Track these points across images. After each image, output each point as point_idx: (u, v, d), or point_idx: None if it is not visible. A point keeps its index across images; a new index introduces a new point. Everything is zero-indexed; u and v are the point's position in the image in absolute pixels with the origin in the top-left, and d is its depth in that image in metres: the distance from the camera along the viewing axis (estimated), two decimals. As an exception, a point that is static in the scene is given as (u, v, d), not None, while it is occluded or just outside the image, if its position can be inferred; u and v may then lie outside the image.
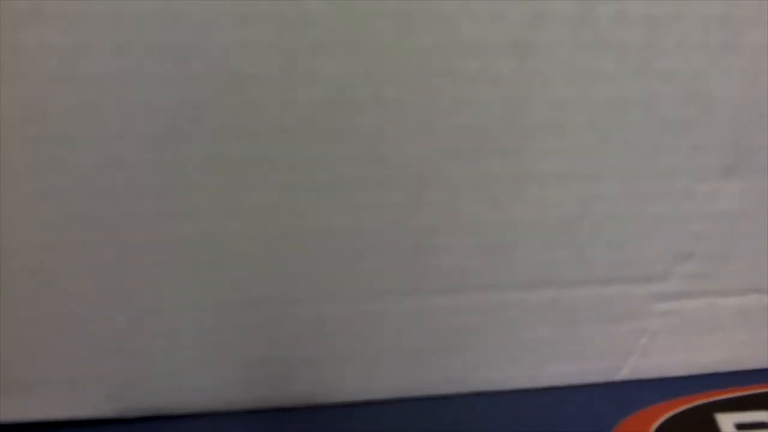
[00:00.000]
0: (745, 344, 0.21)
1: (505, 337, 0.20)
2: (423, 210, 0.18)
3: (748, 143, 0.19)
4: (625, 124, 0.18)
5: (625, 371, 0.21)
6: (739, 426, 0.20)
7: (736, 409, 0.21)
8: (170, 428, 0.19)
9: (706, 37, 0.17)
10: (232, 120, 0.17)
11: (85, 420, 0.19)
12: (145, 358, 0.19)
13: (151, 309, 0.18)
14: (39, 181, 0.16)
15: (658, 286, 0.20)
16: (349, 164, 0.17)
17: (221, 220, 0.17)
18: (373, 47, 0.16)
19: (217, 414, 0.20)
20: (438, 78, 0.17)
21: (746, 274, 0.20)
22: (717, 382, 0.21)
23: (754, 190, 0.19)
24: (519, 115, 0.17)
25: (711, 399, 0.21)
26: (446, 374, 0.20)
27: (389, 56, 0.17)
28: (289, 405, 0.20)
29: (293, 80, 0.16)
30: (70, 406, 0.19)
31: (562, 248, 0.19)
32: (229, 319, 0.19)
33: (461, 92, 0.17)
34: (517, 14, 0.17)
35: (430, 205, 0.18)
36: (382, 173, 0.18)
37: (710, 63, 0.18)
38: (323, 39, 0.16)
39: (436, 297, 0.19)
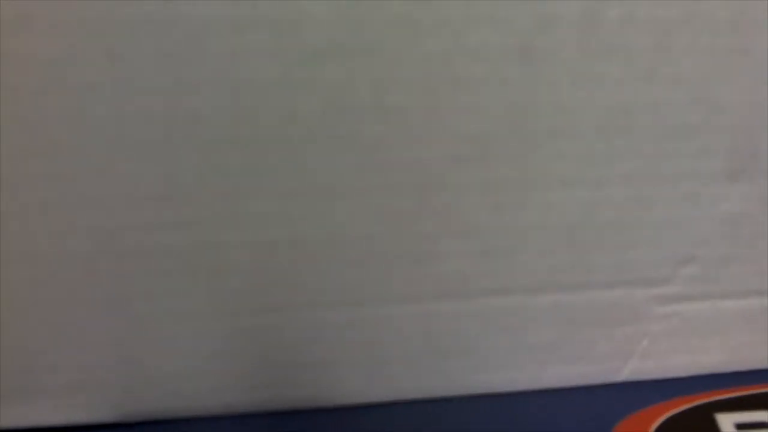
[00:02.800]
0: (746, 346, 0.21)
1: (507, 340, 0.20)
2: (426, 216, 0.18)
3: (753, 148, 0.18)
4: (631, 129, 0.18)
5: (626, 373, 0.21)
6: (739, 426, 0.20)
7: (736, 409, 0.21)
8: (170, 433, 0.19)
9: (713, 41, 0.17)
10: (229, 128, 0.16)
11: (85, 425, 0.19)
12: (144, 364, 0.19)
13: (151, 316, 0.18)
14: (34, 191, 0.16)
15: (661, 289, 0.20)
16: (351, 171, 0.17)
17: (220, 228, 0.17)
18: (375, 53, 0.16)
19: (217, 418, 0.20)
20: (441, 83, 0.17)
21: (748, 276, 0.20)
22: (717, 382, 0.21)
23: (757, 194, 0.19)
24: (524, 120, 0.17)
25: (711, 399, 0.21)
26: (448, 377, 0.20)
27: (391, 62, 0.16)
28: (290, 408, 0.20)
29: (292, 87, 0.16)
30: (70, 412, 0.19)
31: (565, 253, 0.19)
32: (228, 325, 0.19)
33: (465, 98, 0.17)
34: (522, 19, 0.16)
35: (433, 210, 0.18)
36: (384, 180, 0.17)
37: (716, 67, 0.17)
38: (323, 45, 0.16)
39: (439, 302, 0.19)
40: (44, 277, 0.17)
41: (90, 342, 0.18)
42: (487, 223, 0.18)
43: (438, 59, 0.16)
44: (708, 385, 0.21)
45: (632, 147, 0.18)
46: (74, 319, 0.18)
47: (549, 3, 0.16)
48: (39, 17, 0.15)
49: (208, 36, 0.15)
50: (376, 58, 0.16)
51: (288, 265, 0.18)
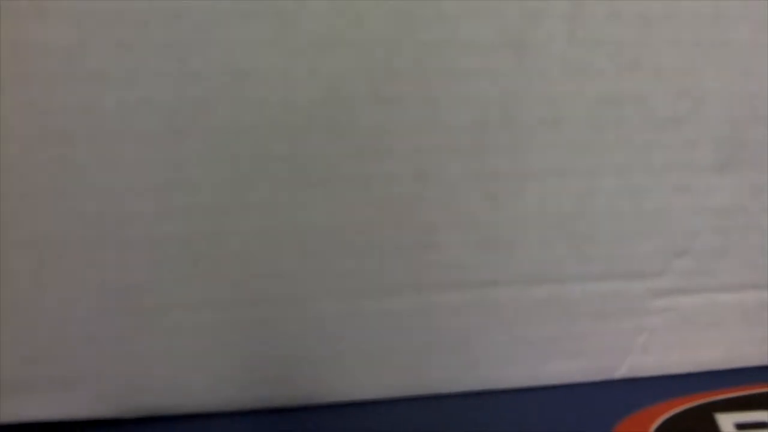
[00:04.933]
0: (744, 340, 0.21)
1: (503, 334, 0.20)
2: (422, 207, 0.18)
3: (741, 138, 0.19)
4: (620, 120, 0.18)
5: (624, 369, 0.21)
6: (739, 426, 0.20)
7: (736, 408, 0.21)
8: (169, 428, 0.19)
9: (698, 34, 0.18)
10: (232, 117, 0.17)
11: (83, 420, 0.19)
12: (144, 358, 0.19)
13: (150, 308, 0.18)
14: (39, 180, 0.17)
15: (656, 282, 0.20)
16: (349, 161, 0.18)
17: (221, 217, 0.18)
18: (373, 44, 0.17)
19: (217, 414, 0.20)
20: (436, 75, 0.17)
21: (743, 269, 0.20)
22: (717, 381, 0.21)
23: (748, 185, 0.20)
24: (516, 111, 0.18)
25: (711, 399, 0.21)
26: (445, 373, 0.20)
27: (388, 53, 0.17)
28: (288, 404, 0.20)
29: (293, 77, 0.17)
30: (69, 407, 0.19)
31: (560, 244, 0.19)
32: (228, 317, 0.19)
33: (459, 89, 0.17)
34: (513, 12, 0.17)
35: (429, 201, 0.18)
36: (381, 170, 0.18)
37: (702, 59, 0.18)
38: (323, 36, 0.16)
39: (435, 294, 0.19)
40: (43, 266, 0.17)
41: (89, 334, 0.18)
42: (483, 214, 0.19)
43: (433, 51, 0.17)
44: (708, 384, 0.21)
45: (622, 138, 0.18)
46: (73, 310, 0.18)
47: (537, -2, 0.17)
48: (50, 7, 0.15)
49: (212, 26, 0.16)
50: (372, 49, 0.17)
51: (285, 255, 0.18)
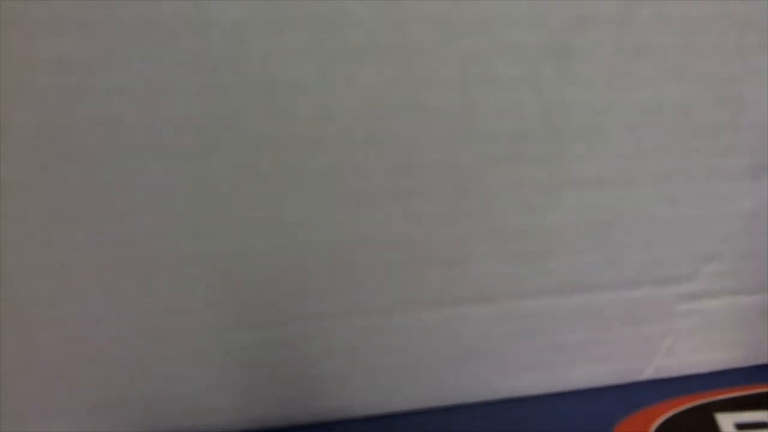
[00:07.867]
0: (763, 339, 0.22)
1: (534, 343, 0.20)
2: (460, 219, 0.18)
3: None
4: (661, 128, 0.18)
5: (650, 371, 0.21)
6: (739, 426, 0.20)
7: (736, 408, 0.21)
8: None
9: (742, 38, 0.17)
10: (264, 130, 0.16)
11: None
12: (167, 381, 0.18)
13: (174, 330, 0.17)
14: (60, 200, 0.15)
15: (685, 286, 0.20)
16: (386, 174, 0.17)
17: (251, 236, 0.17)
18: (411, 53, 0.16)
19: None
20: (477, 83, 0.16)
21: (764, 271, 0.21)
22: (717, 381, 0.22)
23: (776, 190, 0.19)
24: (558, 120, 0.17)
25: (711, 399, 0.21)
26: (474, 382, 0.20)
27: (427, 62, 0.16)
28: (319, 420, 0.19)
29: (329, 87, 0.16)
30: (94, 430, 0.18)
31: (594, 253, 0.19)
32: (254, 338, 0.18)
33: (501, 98, 0.16)
34: (557, 18, 0.16)
35: (467, 213, 0.18)
36: (419, 182, 0.17)
37: (743, 65, 0.17)
38: (360, 44, 0.15)
39: (468, 306, 0.19)
40: (66, 291, 0.16)
41: (112, 359, 0.17)
42: (520, 224, 0.18)
43: (474, 59, 0.16)
44: (708, 384, 0.21)
45: (661, 145, 0.18)
46: (96, 335, 0.17)
47: (585, 2, 0.16)
48: (69, 18, 0.14)
49: (243, 35, 0.15)
50: (412, 57, 0.16)
51: (318, 271, 0.17)
